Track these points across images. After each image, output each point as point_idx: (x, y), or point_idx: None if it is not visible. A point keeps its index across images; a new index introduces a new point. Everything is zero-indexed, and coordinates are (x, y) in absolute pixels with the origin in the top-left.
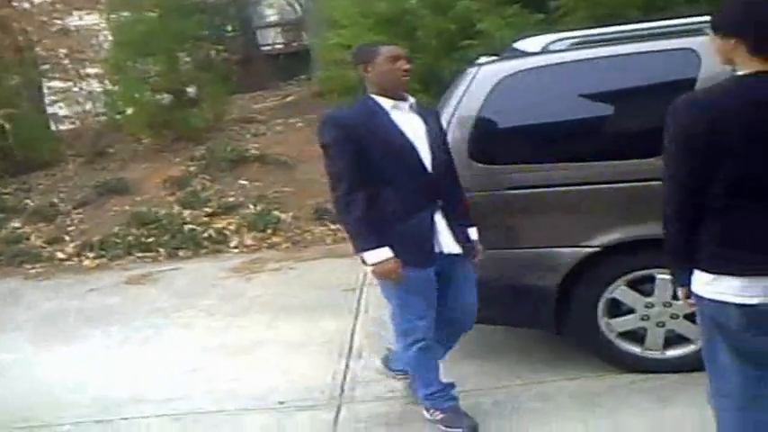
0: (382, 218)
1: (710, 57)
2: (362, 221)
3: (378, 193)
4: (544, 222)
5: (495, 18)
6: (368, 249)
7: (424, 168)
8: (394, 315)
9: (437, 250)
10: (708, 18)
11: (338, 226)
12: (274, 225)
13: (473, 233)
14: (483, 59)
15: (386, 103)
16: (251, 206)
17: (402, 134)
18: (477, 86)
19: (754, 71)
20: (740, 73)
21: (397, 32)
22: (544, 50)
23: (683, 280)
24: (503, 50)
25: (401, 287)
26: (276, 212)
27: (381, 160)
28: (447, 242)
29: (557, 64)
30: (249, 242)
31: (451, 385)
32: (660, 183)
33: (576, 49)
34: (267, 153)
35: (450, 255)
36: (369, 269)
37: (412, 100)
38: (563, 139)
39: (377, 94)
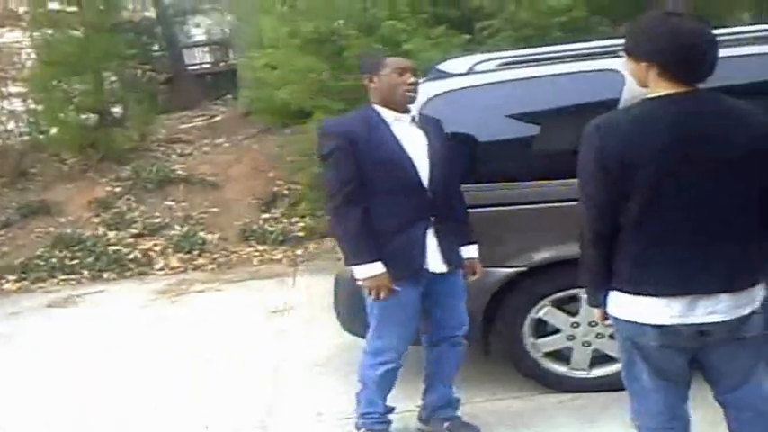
0: (373, 231)
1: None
2: (357, 234)
3: (371, 206)
4: (485, 240)
5: (421, 39)
6: (360, 263)
7: (421, 184)
8: (371, 332)
9: (425, 267)
10: None
11: (265, 247)
12: (200, 246)
13: (470, 251)
14: None
15: (388, 115)
16: (177, 227)
17: (401, 148)
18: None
19: (665, 94)
20: (651, 96)
21: (324, 52)
22: (470, 71)
23: (599, 301)
24: (427, 71)
25: (384, 304)
26: (202, 233)
27: (378, 173)
28: (435, 260)
29: (483, 85)
30: (175, 264)
31: (392, 410)
32: None
33: (502, 69)
34: (193, 173)
35: (436, 273)
36: (360, 282)
37: (416, 113)
38: (489, 159)
39: (380, 105)
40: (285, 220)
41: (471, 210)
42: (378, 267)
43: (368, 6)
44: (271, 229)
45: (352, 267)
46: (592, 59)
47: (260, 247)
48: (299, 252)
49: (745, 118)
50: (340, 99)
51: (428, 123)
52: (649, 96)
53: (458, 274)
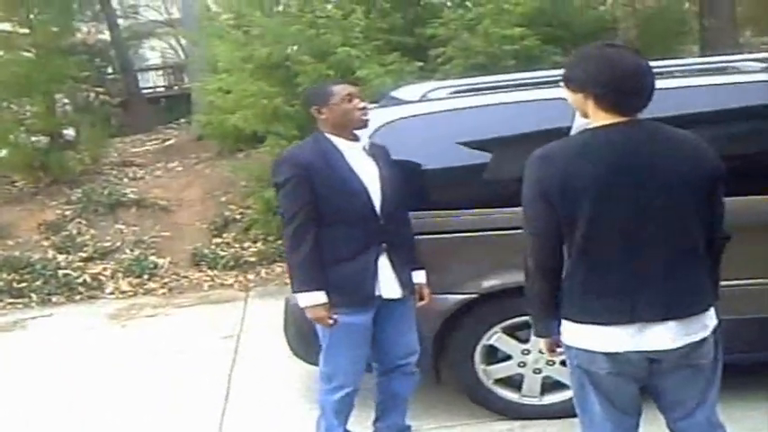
0: (325, 258)
1: None
2: (307, 262)
3: (325, 234)
4: (432, 268)
5: (374, 65)
6: (303, 291)
7: (374, 211)
8: (323, 356)
9: (377, 293)
10: None
11: (216, 272)
12: (151, 270)
13: (419, 276)
14: None
15: (340, 143)
16: (128, 251)
17: (355, 176)
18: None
19: (603, 124)
20: (591, 126)
21: (277, 78)
22: (423, 98)
23: (548, 330)
24: (380, 98)
25: (334, 330)
26: (153, 258)
27: (332, 201)
28: (388, 286)
29: (435, 112)
30: (125, 288)
31: None
32: None
33: (455, 97)
34: (145, 197)
35: (389, 300)
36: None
37: (366, 141)
38: (441, 187)
39: (331, 134)
40: (237, 245)
41: (423, 236)
42: (319, 297)
43: (321, 33)
44: (222, 253)
45: (297, 294)
46: (543, 88)
47: (211, 272)
48: (250, 277)
49: (684, 146)
50: (293, 125)
51: (377, 151)
52: (589, 127)
53: (410, 300)
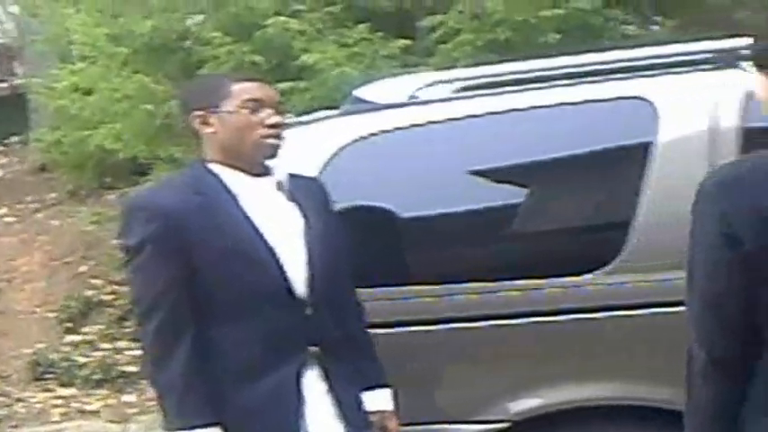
0: (214, 377)
1: (672, 111)
2: (184, 380)
3: (209, 333)
4: (415, 381)
5: (329, 46)
6: (186, 428)
7: (292, 292)
8: None
9: None
10: (675, 50)
11: (74, 390)
12: None
13: (380, 399)
14: (309, 116)
15: (234, 179)
16: None
17: (257, 233)
18: (300, 161)
19: None
20: None
21: (170, 68)
22: (410, 101)
23: None
24: (340, 101)
25: None
26: None
27: (219, 276)
28: (321, 422)
29: (432, 123)
30: None
31: None
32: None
33: (463, 98)
34: None
35: None
36: None
37: (282, 174)
38: (442, 245)
39: (219, 162)
40: (107, 346)
41: (417, 328)
42: None
43: None
44: (82, 360)
45: None
46: (601, 82)
47: (65, 391)
48: (129, 399)
49: None
50: (197, 144)
51: (303, 190)
52: None
53: None
